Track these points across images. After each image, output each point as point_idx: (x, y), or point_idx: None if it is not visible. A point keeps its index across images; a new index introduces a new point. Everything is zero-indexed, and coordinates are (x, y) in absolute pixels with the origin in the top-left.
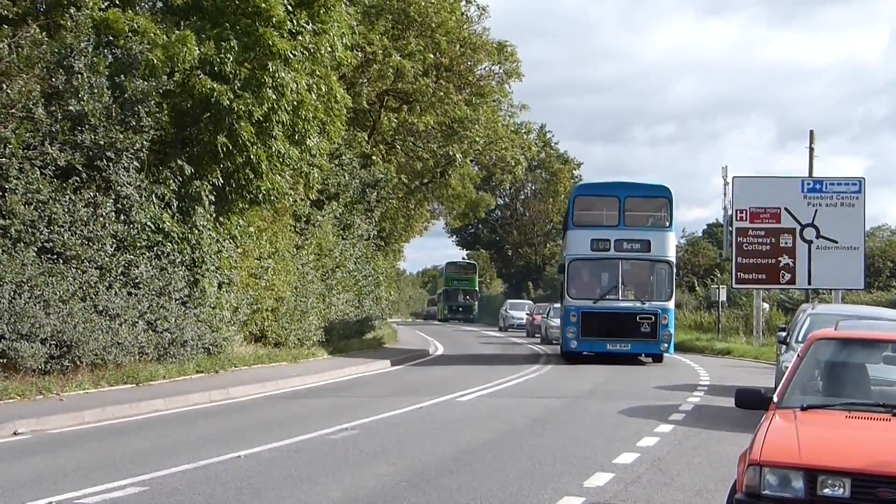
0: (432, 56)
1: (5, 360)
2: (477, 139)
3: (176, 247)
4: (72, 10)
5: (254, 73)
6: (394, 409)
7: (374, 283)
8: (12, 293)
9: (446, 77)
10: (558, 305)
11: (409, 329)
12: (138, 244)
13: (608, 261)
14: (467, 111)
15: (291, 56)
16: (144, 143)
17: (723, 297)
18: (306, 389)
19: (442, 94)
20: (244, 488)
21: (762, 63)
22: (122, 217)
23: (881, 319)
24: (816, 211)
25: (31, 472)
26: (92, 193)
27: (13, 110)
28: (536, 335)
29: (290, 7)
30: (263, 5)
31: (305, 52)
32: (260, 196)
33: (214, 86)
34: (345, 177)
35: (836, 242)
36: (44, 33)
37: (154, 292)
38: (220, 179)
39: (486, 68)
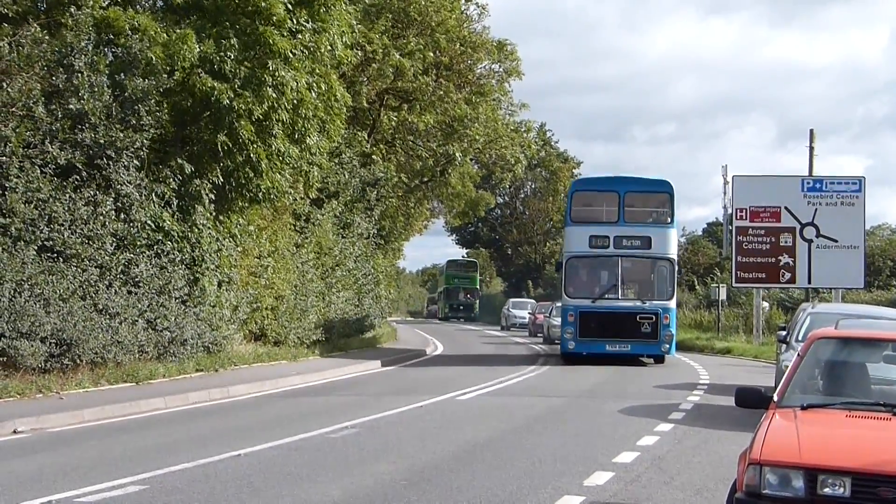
0: (432, 55)
1: (5, 359)
2: (477, 138)
3: (176, 245)
4: (72, 9)
5: (254, 72)
6: (394, 408)
7: (374, 282)
8: (12, 291)
9: (446, 76)
10: (560, 304)
11: (408, 328)
12: (138, 243)
13: (607, 258)
14: (467, 110)
15: (291, 55)
16: (144, 141)
17: (723, 295)
18: (306, 388)
19: (442, 92)
20: (244, 487)
21: (763, 63)
22: (122, 216)
23: (881, 318)
24: (816, 210)
25: (30, 471)
26: (92, 192)
27: (13, 109)
28: (539, 335)
29: (289, 6)
30: (263, 4)
31: (305, 50)
32: (260, 195)
33: (214, 84)
34: (345, 175)
35: (836, 241)
36: (44, 32)
37: (154, 291)
38: (220, 178)
39: (486, 67)
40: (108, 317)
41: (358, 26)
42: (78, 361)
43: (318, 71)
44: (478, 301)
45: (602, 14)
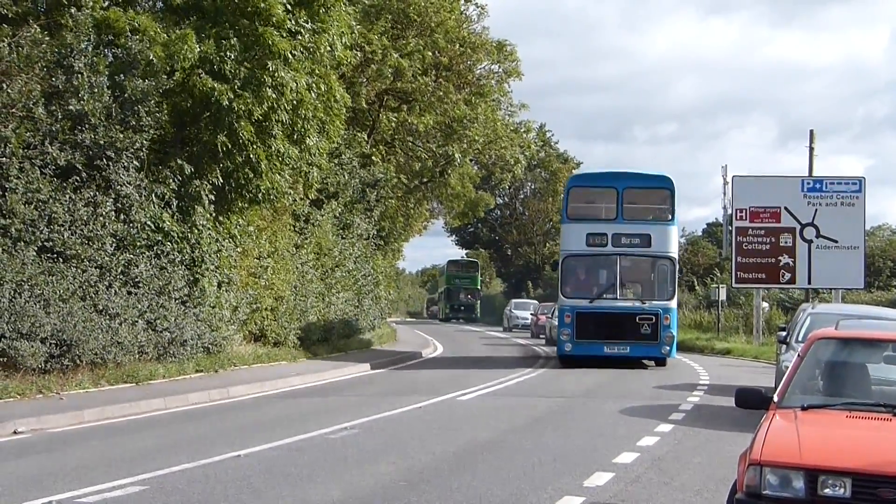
0: (430, 54)
1: (5, 359)
2: (476, 138)
3: (175, 246)
4: (72, 10)
5: (253, 73)
6: (394, 409)
7: (374, 283)
8: (12, 292)
9: (445, 76)
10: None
11: (408, 329)
12: (138, 243)
13: (605, 257)
14: (466, 110)
15: (291, 55)
16: (144, 142)
17: (722, 296)
18: (306, 389)
19: (441, 93)
20: (244, 487)
21: (763, 62)
22: (122, 216)
23: (881, 319)
24: (816, 210)
25: (30, 471)
26: (92, 193)
27: (13, 110)
28: (541, 336)
29: (289, 6)
30: (263, 5)
31: (305, 51)
32: (259, 195)
33: (214, 85)
34: (344, 176)
35: (836, 242)
36: (44, 33)
37: (154, 291)
38: (220, 179)
39: (486, 68)
40: (108, 317)
41: (357, 27)
42: (78, 362)
43: (317, 72)
44: (479, 302)
45: (602, 14)
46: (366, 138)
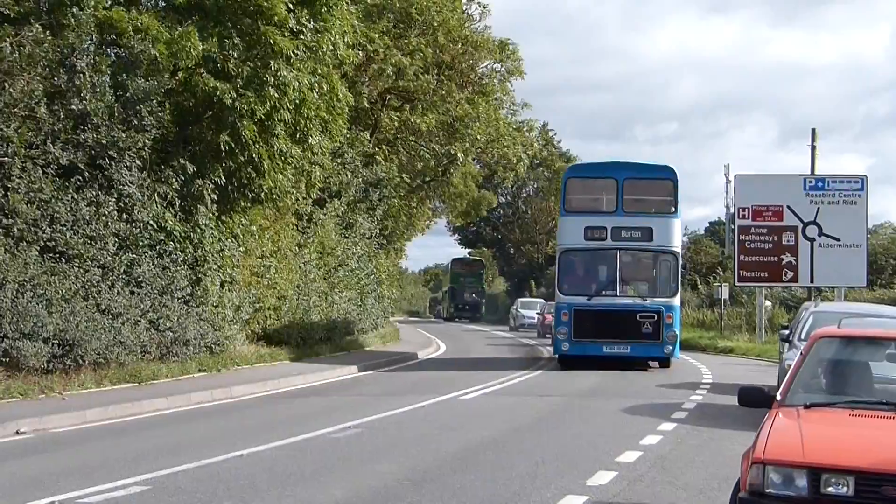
0: (430, 51)
1: (8, 360)
2: (478, 137)
3: (178, 245)
4: (74, 9)
5: (256, 72)
6: (396, 408)
7: (377, 282)
8: (15, 292)
9: (448, 75)
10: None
11: (411, 328)
12: (140, 243)
13: (604, 251)
14: (469, 109)
15: (293, 55)
16: (147, 141)
17: (725, 295)
18: (309, 388)
19: (444, 92)
20: (247, 487)
21: (764, 61)
22: (125, 216)
23: (884, 317)
24: (819, 209)
25: (33, 472)
26: (94, 192)
27: (16, 109)
28: (548, 335)
29: (291, 5)
30: (265, 4)
31: (307, 50)
32: (262, 195)
33: (217, 84)
34: (347, 175)
35: (838, 240)
36: (46, 32)
37: (156, 291)
38: (223, 178)
39: (488, 67)
40: (110, 317)
41: (359, 27)
42: (80, 362)
43: (319, 71)
44: (483, 301)
45: (603, 13)
46: (368, 137)
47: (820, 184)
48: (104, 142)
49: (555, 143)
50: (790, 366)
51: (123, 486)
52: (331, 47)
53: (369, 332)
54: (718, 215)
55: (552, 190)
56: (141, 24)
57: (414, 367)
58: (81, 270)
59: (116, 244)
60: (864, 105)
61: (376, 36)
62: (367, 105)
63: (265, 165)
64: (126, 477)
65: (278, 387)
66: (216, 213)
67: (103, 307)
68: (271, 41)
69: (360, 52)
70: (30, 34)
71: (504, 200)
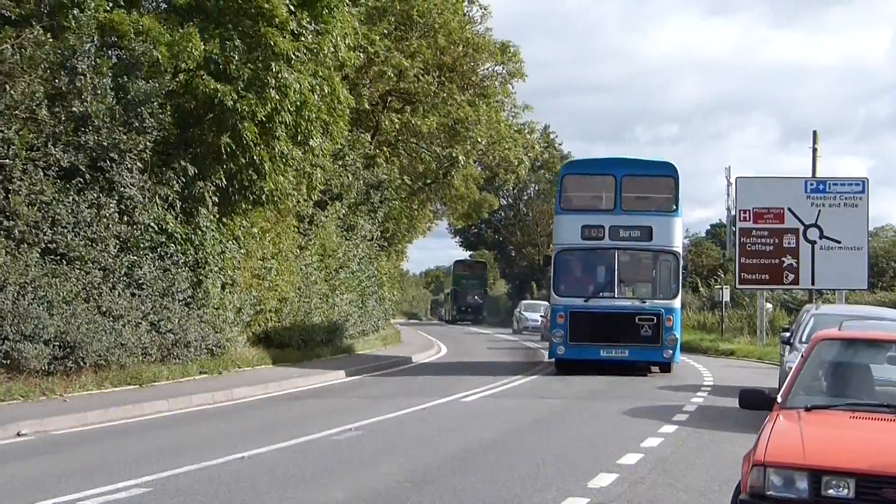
0: (429, 52)
1: (9, 362)
2: (479, 140)
3: (179, 248)
4: (75, 12)
5: (257, 74)
6: (397, 410)
7: (378, 284)
8: (16, 294)
9: (449, 77)
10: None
11: (412, 330)
12: (142, 245)
13: (602, 251)
14: (470, 112)
15: (294, 56)
16: (148, 144)
17: (726, 297)
18: (309, 390)
19: (445, 94)
20: (248, 489)
21: (765, 63)
22: (126, 218)
23: (885, 320)
24: (820, 211)
25: (34, 474)
26: (95, 194)
27: (17, 111)
28: None
29: (292, 7)
30: (266, 6)
31: (308, 52)
32: (263, 197)
33: (218, 86)
34: (348, 178)
35: (839, 243)
36: (47, 34)
37: (157, 293)
38: (224, 180)
39: (489, 69)
40: (111, 319)
41: (360, 28)
42: (81, 364)
43: (321, 73)
44: (485, 303)
45: (603, 14)
46: (369, 139)
47: (821, 186)
48: (105, 144)
49: (556, 145)
50: (791, 368)
51: (124, 487)
52: (332, 49)
53: (370, 334)
54: (719, 217)
55: (553, 192)
56: (142, 26)
57: (414, 370)
58: (82, 272)
59: (117, 246)
60: (864, 107)
61: (377, 38)
62: (367, 107)
63: (266, 167)
64: (127, 479)
65: (279, 389)
66: (217, 216)
67: (104, 309)
68: (272, 43)
69: (360, 54)
70: (31, 36)
71: (505, 202)
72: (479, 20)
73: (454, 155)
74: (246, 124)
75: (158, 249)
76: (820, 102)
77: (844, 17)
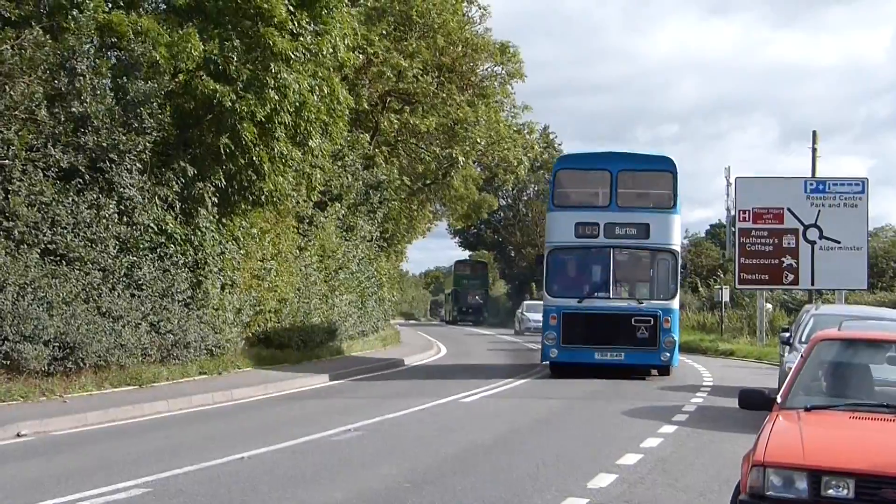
0: (428, 52)
1: (9, 362)
2: (479, 140)
3: (179, 248)
4: (74, 12)
5: (256, 74)
6: (397, 411)
7: (377, 285)
8: (16, 295)
9: (448, 78)
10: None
11: (411, 331)
12: (141, 246)
13: (597, 250)
14: (469, 112)
15: (293, 57)
16: (147, 144)
17: (726, 297)
18: (309, 391)
19: (444, 95)
20: (247, 490)
21: (765, 63)
22: (125, 219)
23: (885, 320)
24: (819, 211)
25: (34, 474)
26: (95, 195)
27: (16, 112)
28: None
29: (291, 8)
30: (265, 6)
31: (307, 52)
32: (263, 197)
33: (217, 87)
34: (347, 178)
35: (839, 243)
36: (47, 35)
37: (157, 294)
38: (223, 181)
39: (489, 69)
40: (111, 320)
41: (360, 29)
42: (81, 365)
43: (320, 73)
44: (486, 303)
45: (604, 15)
46: (369, 140)
47: (821, 186)
48: (105, 144)
49: (555, 145)
50: (791, 368)
51: (124, 488)
52: (331, 50)
53: (370, 334)
54: (719, 217)
55: None
56: (141, 26)
57: (415, 370)
58: (82, 273)
59: (117, 247)
60: (864, 107)
61: (376, 38)
62: (367, 107)
63: (266, 168)
64: (127, 479)
65: (279, 389)
66: (217, 216)
67: (104, 310)
68: (271, 43)
69: (360, 55)
70: (30, 37)
71: (505, 203)
72: (479, 20)
73: (453, 155)
74: (245, 125)
75: (158, 250)
76: (820, 102)
77: (844, 17)
